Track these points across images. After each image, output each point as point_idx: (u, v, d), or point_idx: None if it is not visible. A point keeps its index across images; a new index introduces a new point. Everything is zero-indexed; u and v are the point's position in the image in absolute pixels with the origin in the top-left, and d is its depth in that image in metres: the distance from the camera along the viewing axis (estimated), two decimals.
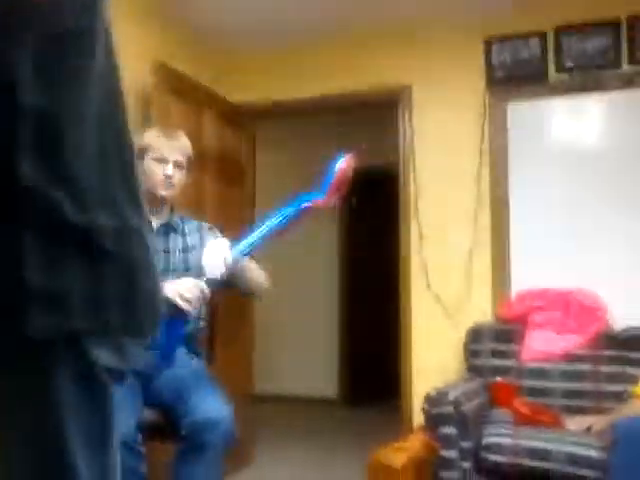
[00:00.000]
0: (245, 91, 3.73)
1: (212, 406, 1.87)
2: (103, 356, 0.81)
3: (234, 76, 3.79)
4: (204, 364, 2.30)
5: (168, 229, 2.20)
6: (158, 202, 2.17)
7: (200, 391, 1.95)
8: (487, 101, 3.32)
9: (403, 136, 3.47)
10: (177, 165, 2.15)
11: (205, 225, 2.31)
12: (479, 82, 3.35)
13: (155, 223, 2.18)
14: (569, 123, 3.25)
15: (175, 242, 2.20)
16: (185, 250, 2.19)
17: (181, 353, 2.19)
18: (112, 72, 0.91)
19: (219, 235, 2.27)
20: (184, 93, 3.20)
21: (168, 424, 1.93)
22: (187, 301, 1.88)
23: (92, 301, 0.77)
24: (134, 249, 0.85)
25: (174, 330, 1.91)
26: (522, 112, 3.29)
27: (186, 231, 2.25)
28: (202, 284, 1.92)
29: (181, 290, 1.88)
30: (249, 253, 2.05)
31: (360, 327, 5.56)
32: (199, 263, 2.09)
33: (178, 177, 2.15)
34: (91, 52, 0.83)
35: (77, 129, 0.79)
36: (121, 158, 0.87)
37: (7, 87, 0.72)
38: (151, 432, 1.92)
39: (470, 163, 3.34)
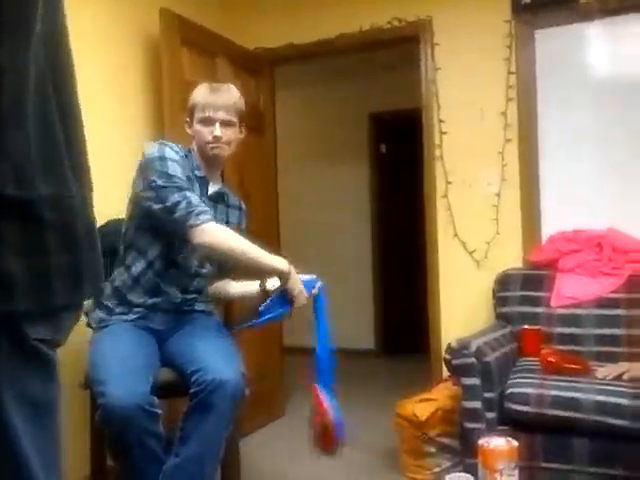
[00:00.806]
0: (260, 36, 3.60)
1: (220, 367, 1.84)
2: (38, 330, 0.79)
3: (247, 21, 3.65)
4: (220, 320, 2.28)
5: (218, 198, 2.16)
6: (213, 163, 2.12)
7: (211, 351, 1.93)
8: (513, 30, 3.10)
9: (425, 73, 3.29)
10: (225, 124, 2.06)
11: (244, 207, 2.29)
12: (504, 9, 3.12)
13: (211, 188, 2.14)
14: (603, 50, 3.01)
15: (221, 213, 2.17)
16: (227, 223, 2.15)
17: (198, 309, 2.17)
18: (57, 37, 0.84)
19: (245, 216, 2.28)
20: (195, 41, 3.09)
21: (181, 382, 1.91)
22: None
23: (35, 282, 0.75)
24: (76, 219, 0.82)
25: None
26: (551, 40, 3.06)
27: (230, 204, 2.23)
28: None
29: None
30: None
31: (394, 276, 5.49)
32: None
33: (228, 135, 2.07)
34: (30, 14, 0.76)
35: (14, 100, 0.75)
36: (65, 128, 0.83)
37: None
38: (166, 390, 1.92)
39: (497, 98, 3.15)
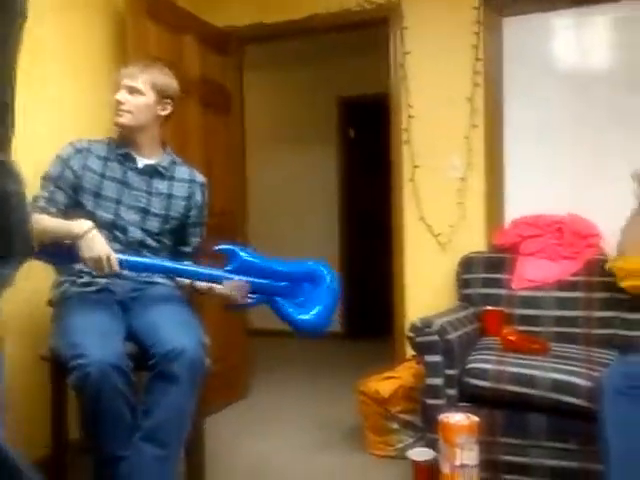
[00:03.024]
0: (229, 14, 3.56)
1: (180, 337, 1.85)
2: None
3: None
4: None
5: (153, 172, 2.16)
6: (127, 135, 2.12)
7: (169, 321, 1.93)
8: (481, 16, 3.13)
9: (394, 56, 3.30)
10: (131, 90, 2.08)
11: (198, 179, 2.26)
12: None
13: (140, 162, 2.14)
14: (570, 40, 3.07)
15: (159, 186, 2.16)
16: (170, 197, 2.17)
17: (161, 283, 2.16)
18: None
19: (205, 194, 2.27)
20: (162, 16, 3.04)
21: (142, 355, 1.90)
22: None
23: None
24: (7, 184, 0.86)
25: None
26: (519, 28, 3.11)
27: (175, 176, 2.20)
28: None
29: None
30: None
31: (360, 260, 5.52)
32: (181, 211, 2.17)
33: (131, 102, 2.07)
34: None
35: None
36: None
37: None
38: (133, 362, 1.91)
39: (464, 84, 3.18)
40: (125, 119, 2.08)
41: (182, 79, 3.13)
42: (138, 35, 2.88)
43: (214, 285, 2.02)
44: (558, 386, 2.17)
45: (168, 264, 2.06)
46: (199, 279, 2.06)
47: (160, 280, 2.18)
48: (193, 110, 3.22)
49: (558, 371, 2.22)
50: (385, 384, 2.71)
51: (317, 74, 5.38)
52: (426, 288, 3.27)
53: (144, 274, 2.12)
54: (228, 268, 2.00)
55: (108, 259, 1.85)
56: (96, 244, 1.86)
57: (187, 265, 2.09)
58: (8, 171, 0.88)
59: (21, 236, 0.90)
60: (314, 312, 2.11)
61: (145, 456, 1.80)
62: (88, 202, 2.05)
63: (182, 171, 2.23)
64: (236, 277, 1.98)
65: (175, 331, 1.87)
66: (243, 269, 2.00)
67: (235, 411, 3.41)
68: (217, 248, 2.02)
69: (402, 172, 3.32)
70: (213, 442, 2.59)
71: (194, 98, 3.24)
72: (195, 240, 2.27)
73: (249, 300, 2.04)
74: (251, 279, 2.00)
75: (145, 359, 1.86)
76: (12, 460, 0.90)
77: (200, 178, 2.27)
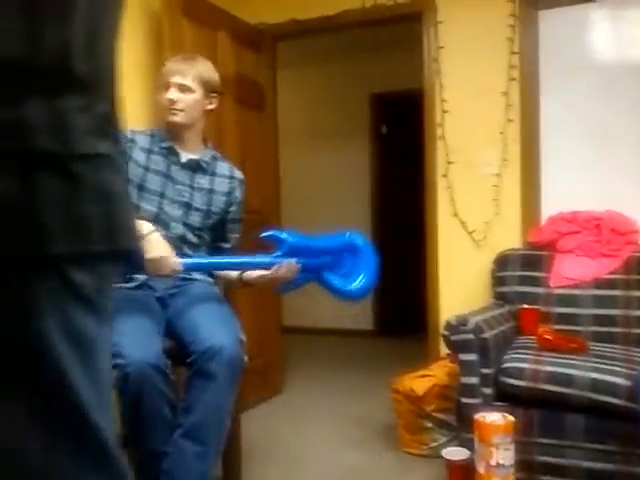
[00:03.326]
0: (263, 11, 3.57)
1: (218, 335, 1.86)
2: (81, 274, 0.82)
3: None
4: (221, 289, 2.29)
5: (196, 167, 2.16)
6: (175, 130, 2.13)
7: (209, 320, 1.94)
8: (517, 9, 3.08)
9: (428, 51, 3.28)
10: (182, 89, 2.07)
11: (238, 176, 2.27)
12: None
13: (184, 157, 2.15)
14: (606, 32, 3.00)
15: (200, 181, 2.17)
16: (211, 192, 2.17)
17: (199, 280, 2.19)
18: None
19: (244, 191, 2.27)
20: (197, 14, 3.07)
21: (181, 351, 1.93)
22: None
23: (69, 228, 0.78)
24: (106, 177, 0.85)
25: None
26: (555, 21, 3.05)
27: (216, 172, 2.21)
28: None
29: None
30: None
31: (393, 256, 5.49)
32: (221, 207, 2.18)
33: (184, 101, 2.08)
34: None
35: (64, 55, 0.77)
36: (97, 83, 0.85)
37: None
38: (171, 359, 1.93)
39: (499, 78, 3.14)
40: (179, 118, 2.08)
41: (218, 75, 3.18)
42: (174, 34, 2.91)
43: (264, 272, 1.99)
44: (597, 386, 2.13)
45: (225, 260, 2.10)
46: (255, 268, 2.03)
47: (198, 277, 2.20)
48: (228, 107, 3.24)
49: (597, 370, 2.17)
50: (419, 382, 2.69)
51: (349, 70, 5.37)
52: (460, 286, 3.25)
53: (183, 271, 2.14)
54: (278, 254, 1.98)
55: (171, 261, 1.84)
56: (159, 244, 1.85)
57: (241, 257, 2.09)
58: (113, 166, 0.86)
59: (125, 230, 0.89)
60: (360, 279, 2.12)
61: (185, 453, 1.82)
62: (132, 194, 2.02)
63: (223, 167, 2.24)
64: (285, 260, 1.97)
65: (214, 329, 1.89)
66: (291, 251, 1.98)
67: (270, 407, 3.43)
68: (264, 235, 1.99)
69: (436, 168, 3.30)
70: (249, 437, 2.61)
71: (229, 95, 3.25)
72: (233, 237, 2.28)
73: (299, 280, 2.04)
74: (299, 259, 1.99)
75: (184, 355, 1.89)
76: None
77: (239, 174, 2.28)
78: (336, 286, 2.11)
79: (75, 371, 0.81)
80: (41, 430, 0.81)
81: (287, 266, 1.95)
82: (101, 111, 0.87)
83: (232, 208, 2.23)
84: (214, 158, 2.23)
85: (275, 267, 1.95)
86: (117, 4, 0.93)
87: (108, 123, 0.89)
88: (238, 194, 2.25)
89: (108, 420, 0.86)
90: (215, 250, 2.25)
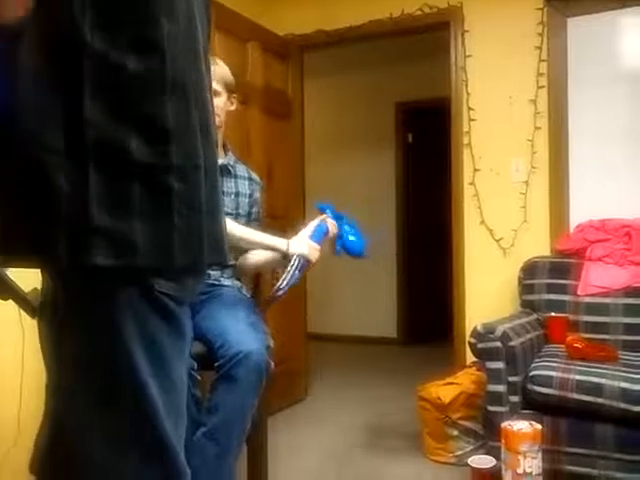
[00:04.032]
0: (290, 22, 3.62)
1: (246, 340, 1.88)
2: (162, 284, 0.85)
3: (279, 7, 3.67)
4: (250, 296, 2.31)
5: (223, 171, 2.19)
6: None
7: (237, 326, 1.96)
8: (545, 17, 3.08)
9: (455, 60, 3.29)
10: (215, 93, 2.10)
11: (255, 178, 2.31)
12: None
13: None
14: (636, 38, 2.97)
15: (228, 185, 2.20)
16: (237, 195, 2.21)
17: (228, 286, 2.21)
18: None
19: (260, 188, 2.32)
20: (228, 26, 3.12)
21: (210, 355, 1.95)
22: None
23: (157, 243, 0.80)
24: (200, 189, 0.86)
25: None
26: (585, 28, 3.04)
27: (238, 174, 2.25)
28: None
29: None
30: None
31: (418, 265, 5.49)
32: (246, 209, 2.22)
33: (216, 105, 2.11)
34: None
35: (149, 73, 0.80)
36: (196, 92, 0.87)
37: (73, 38, 0.74)
38: (197, 361, 1.96)
39: (527, 87, 3.14)
40: (217, 123, 2.13)
41: (247, 87, 3.24)
42: None
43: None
44: (627, 395, 2.10)
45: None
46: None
47: (227, 283, 2.23)
48: (256, 117, 3.29)
49: (627, 380, 2.15)
50: (446, 390, 2.68)
51: (375, 79, 5.39)
52: (487, 293, 3.23)
53: (212, 277, 2.17)
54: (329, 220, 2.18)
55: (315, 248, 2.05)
56: (303, 239, 2.07)
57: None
58: (203, 175, 0.87)
59: (212, 243, 0.90)
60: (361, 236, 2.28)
61: (206, 453, 1.84)
62: None
63: (242, 169, 2.28)
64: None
65: (242, 334, 1.91)
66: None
67: (294, 413, 3.44)
68: (317, 205, 2.25)
69: (462, 176, 3.30)
70: (273, 441, 2.63)
71: (257, 105, 3.31)
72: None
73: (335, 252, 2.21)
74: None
75: (212, 359, 1.91)
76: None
77: (256, 176, 2.32)
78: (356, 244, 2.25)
79: (148, 379, 0.83)
80: (111, 435, 0.83)
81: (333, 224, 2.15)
82: (194, 122, 0.87)
83: (254, 209, 2.27)
84: (236, 161, 2.27)
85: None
86: None
87: (203, 133, 0.89)
88: (258, 195, 2.29)
89: (176, 426, 0.88)
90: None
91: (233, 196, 2.20)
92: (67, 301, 0.83)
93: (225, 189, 2.18)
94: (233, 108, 2.21)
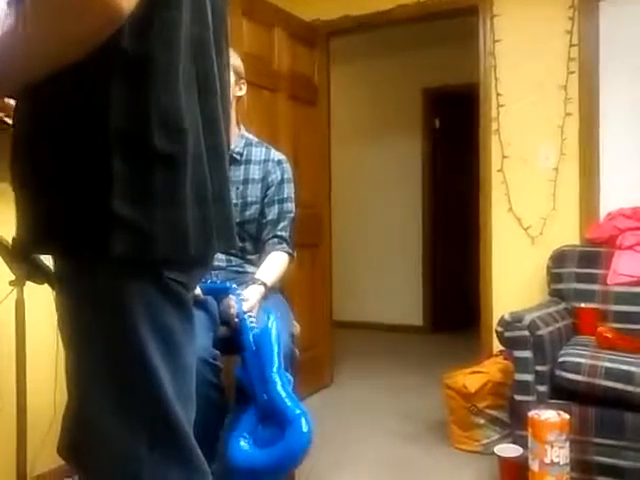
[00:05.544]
0: (317, 8, 3.60)
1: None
2: (173, 272, 0.87)
3: None
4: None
5: (229, 160, 2.15)
6: None
7: (261, 311, 1.97)
8: (576, 1, 3.01)
9: (484, 45, 3.24)
10: None
11: (274, 158, 2.19)
12: None
13: None
14: None
15: (235, 174, 2.13)
16: (245, 182, 2.14)
17: (250, 270, 2.22)
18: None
19: (286, 170, 2.20)
20: (255, 12, 3.11)
21: (233, 339, 1.97)
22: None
23: (173, 234, 0.82)
24: (210, 176, 0.89)
25: None
26: (616, 12, 2.96)
27: (251, 159, 2.17)
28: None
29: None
30: None
31: (444, 252, 5.46)
32: (258, 194, 2.12)
33: None
34: None
35: (167, 66, 0.83)
36: (205, 86, 0.90)
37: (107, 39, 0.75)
38: (224, 346, 1.98)
39: (557, 73, 3.08)
40: None
41: (274, 74, 3.23)
42: (234, 34, 2.96)
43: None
44: None
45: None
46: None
47: (251, 270, 2.23)
48: (282, 104, 3.29)
49: None
50: (472, 379, 2.67)
51: (401, 64, 5.34)
52: (514, 282, 3.20)
53: (234, 264, 2.18)
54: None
55: None
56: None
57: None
58: (210, 162, 0.90)
59: (222, 233, 0.92)
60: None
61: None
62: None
63: (257, 152, 2.19)
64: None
65: (266, 322, 1.92)
66: None
67: (319, 399, 3.46)
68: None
69: (490, 162, 3.26)
70: None
71: (284, 92, 3.31)
72: (272, 219, 2.16)
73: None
74: None
75: (236, 344, 1.93)
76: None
77: (277, 156, 2.20)
78: None
79: (159, 364, 0.85)
80: (123, 417, 0.85)
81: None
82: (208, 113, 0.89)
83: (269, 191, 2.15)
84: (249, 144, 2.18)
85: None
86: None
87: (214, 122, 0.91)
88: (275, 175, 2.16)
89: (187, 412, 0.90)
90: (259, 241, 2.19)
91: (241, 185, 2.12)
92: (80, 286, 0.85)
93: (233, 178, 2.09)
94: (242, 93, 2.15)
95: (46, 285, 1.44)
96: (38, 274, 1.42)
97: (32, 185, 0.83)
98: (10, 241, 1.51)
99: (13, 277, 1.56)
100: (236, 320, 1.88)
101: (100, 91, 0.78)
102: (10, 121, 1.08)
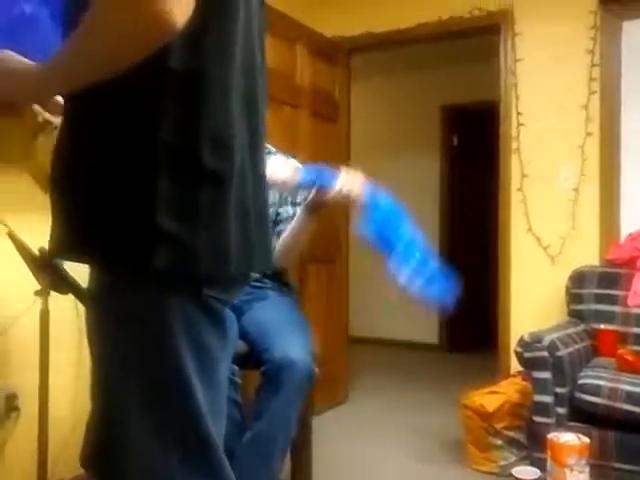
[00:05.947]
0: (338, 24, 3.63)
1: (291, 346, 1.88)
2: (213, 289, 0.88)
3: (327, 9, 3.68)
4: (294, 298, 2.31)
5: None
6: None
7: (282, 329, 1.96)
8: (599, 21, 3.01)
9: (505, 64, 3.24)
10: None
11: (275, 150, 2.16)
12: None
13: None
14: None
15: None
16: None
17: (272, 287, 2.22)
18: (250, 19, 0.93)
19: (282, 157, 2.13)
20: (276, 28, 3.14)
21: (254, 356, 1.97)
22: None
23: (217, 249, 0.83)
24: (251, 197, 0.88)
25: None
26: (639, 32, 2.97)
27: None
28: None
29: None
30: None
31: (461, 271, 5.42)
32: (274, 197, 2.09)
33: None
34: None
35: (222, 82, 0.83)
36: (250, 102, 0.90)
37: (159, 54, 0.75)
38: (240, 362, 1.98)
39: (578, 92, 3.07)
40: None
41: (295, 89, 3.26)
42: None
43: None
44: None
45: None
46: None
47: (270, 284, 2.24)
48: (304, 119, 3.31)
49: None
50: (490, 399, 2.65)
51: (420, 82, 5.36)
52: (533, 302, 3.18)
53: (255, 277, 2.18)
54: None
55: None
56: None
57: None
58: (256, 184, 0.90)
59: (261, 253, 0.92)
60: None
61: (252, 457, 1.85)
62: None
63: (274, 161, 2.12)
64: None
65: (287, 340, 1.90)
66: None
67: (334, 416, 3.44)
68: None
69: (510, 181, 3.25)
70: (315, 443, 2.64)
71: (304, 107, 3.32)
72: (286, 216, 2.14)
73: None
74: None
75: (255, 360, 1.93)
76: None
77: (273, 149, 2.17)
78: None
79: (195, 381, 0.85)
80: (156, 434, 0.85)
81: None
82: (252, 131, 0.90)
83: (283, 195, 2.15)
84: (267, 153, 2.19)
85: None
86: None
87: (257, 139, 0.92)
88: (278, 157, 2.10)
89: (218, 426, 0.90)
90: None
91: None
92: (118, 301, 0.84)
93: None
94: None
95: (70, 296, 1.46)
96: (63, 285, 1.44)
97: (73, 191, 0.82)
98: (37, 251, 1.53)
99: (38, 287, 1.58)
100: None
101: (151, 104, 0.78)
102: (55, 120, 1.08)
